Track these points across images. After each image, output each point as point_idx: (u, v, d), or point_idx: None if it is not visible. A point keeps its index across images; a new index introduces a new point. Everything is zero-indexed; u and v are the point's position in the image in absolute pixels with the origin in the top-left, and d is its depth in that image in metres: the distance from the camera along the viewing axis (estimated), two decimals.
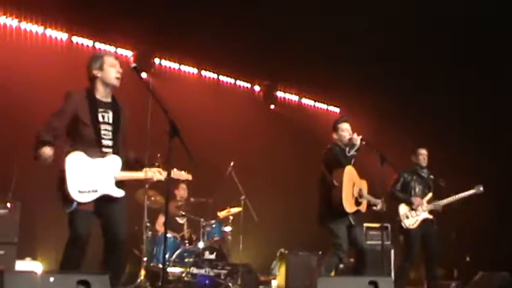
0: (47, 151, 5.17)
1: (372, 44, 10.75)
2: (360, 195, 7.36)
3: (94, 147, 5.34)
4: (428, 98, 11.71)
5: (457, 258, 10.71)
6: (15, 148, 8.74)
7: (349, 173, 7.31)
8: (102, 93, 5.48)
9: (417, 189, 8.54)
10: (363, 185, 7.48)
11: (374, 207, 7.58)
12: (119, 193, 5.44)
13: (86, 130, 5.31)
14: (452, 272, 10.25)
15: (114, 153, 5.45)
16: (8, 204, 7.75)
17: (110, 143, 5.42)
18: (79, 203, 5.20)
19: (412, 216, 8.42)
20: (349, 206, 7.22)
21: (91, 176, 5.28)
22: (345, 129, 7.45)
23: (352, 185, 7.29)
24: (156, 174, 5.59)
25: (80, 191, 5.22)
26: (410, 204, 8.42)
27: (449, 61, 11.11)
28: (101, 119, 5.40)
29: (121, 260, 5.54)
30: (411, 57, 11.12)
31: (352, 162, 7.42)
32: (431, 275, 8.42)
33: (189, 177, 5.83)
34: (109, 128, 5.44)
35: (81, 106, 5.33)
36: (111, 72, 5.45)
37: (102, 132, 5.39)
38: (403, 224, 8.38)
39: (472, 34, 10.57)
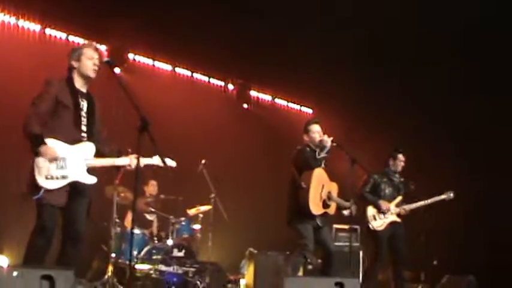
0: (51, 151, 5.19)
1: (344, 45, 10.75)
2: (329, 198, 7.37)
3: (72, 131, 5.39)
4: (400, 98, 11.73)
5: (424, 261, 10.77)
6: None
7: (318, 175, 7.32)
8: (79, 84, 5.56)
9: (387, 192, 8.57)
10: (333, 187, 7.48)
11: (344, 212, 7.59)
12: (90, 180, 5.43)
13: (66, 112, 5.37)
14: (420, 275, 10.32)
15: (88, 139, 5.49)
16: None
17: (85, 128, 5.48)
18: (46, 190, 5.16)
19: (380, 219, 8.46)
20: (315, 208, 7.23)
21: (61, 162, 5.26)
22: (316, 131, 7.43)
23: (320, 187, 7.30)
24: (133, 160, 5.55)
25: (47, 177, 5.19)
26: (378, 207, 8.44)
27: (418, 61, 11.14)
28: (81, 106, 5.49)
29: (79, 253, 5.46)
30: (383, 58, 11.14)
31: (323, 164, 7.43)
32: (398, 277, 8.46)
33: (173, 163, 5.76)
34: (84, 114, 5.50)
35: (62, 90, 5.40)
36: (88, 64, 5.52)
37: (82, 118, 5.47)
38: (370, 226, 8.42)
39: (437, 33, 10.56)
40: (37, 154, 5.18)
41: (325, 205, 7.34)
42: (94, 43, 5.81)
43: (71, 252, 5.36)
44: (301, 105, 13.88)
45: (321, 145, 7.31)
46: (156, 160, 5.56)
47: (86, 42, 5.78)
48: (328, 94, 12.20)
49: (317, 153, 7.30)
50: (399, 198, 8.63)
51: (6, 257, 8.44)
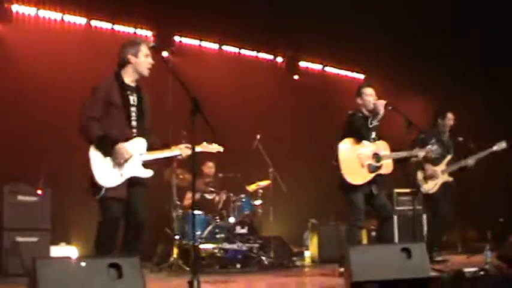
0: (124, 150, 5.36)
1: (395, 9, 10.62)
2: (377, 159, 7.24)
3: (124, 128, 5.47)
4: (452, 58, 11.56)
5: (490, 219, 10.64)
6: (44, 135, 8.85)
7: (346, 148, 7.25)
8: (130, 78, 5.61)
9: (434, 154, 8.40)
10: (379, 146, 7.32)
11: (414, 158, 7.45)
12: (147, 173, 5.56)
13: (116, 111, 5.44)
14: (486, 233, 10.17)
15: (138, 135, 5.56)
16: (39, 191, 7.85)
17: (135, 124, 5.56)
18: (107, 189, 5.30)
19: (432, 180, 8.33)
20: (356, 178, 7.15)
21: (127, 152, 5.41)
22: (370, 94, 7.33)
23: (354, 156, 7.19)
24: (184, 150, 5.69)
25: (106, 176, 5.32)
26: (424, 169, 8.33)
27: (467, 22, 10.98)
28: (131, 101, 5.56)
29: (141, 241, 5.56)
30: (432, 20, 10.99)
31: (373, 134, 7.31)
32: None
33: (220, 148, 5.92)
34: (134, 110, 5.57)
35: (111, 90, 5.45)
36: (145, 63, 5.58)
37: (132, 114, 5.55)
38: (422, 189, 8.31)
39: None
40: (111, 156, 5.33)
41: (372, 169, 7.23)
42: (150, 42, 5.77)
43: (134, 240, 5.49)
44: (352, 71, 13.68)
45: (374, 109, 7.21)
46: (204, 147, 5.71)
47: (140, 36, 5.71)
48: (379, 58, 12.04)
49: (369, 121, 7.20)
50: (448, 157, 8.49)
51: (75, 247, 8.63)
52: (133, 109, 5.55)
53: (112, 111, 5.42)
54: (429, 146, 7.49)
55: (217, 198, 9.67)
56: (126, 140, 5.46)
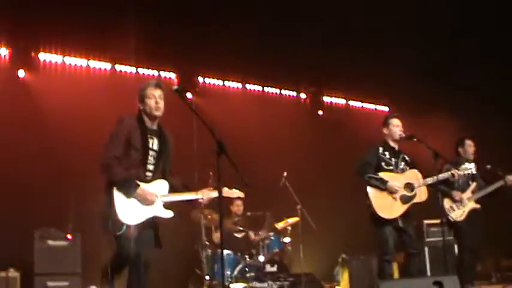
0: (147, 192, 5.45)
1: (417, 42, 10.72)
2: (411, 188, 7.23)
3: (138, 170, 5.52)
4: (471, 90, 11.59)
5: None
6: (70, 180, 8.95)
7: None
8: (147, 122, 5.66)
9: (460, 182, 8.35)
10: (411, 175, 7.34)
11: (452, 177, 7.43)
12: (168, 214, 5.60)
13: (135, 155, 5.49)
14: None
15: (153, 178, 5.61)
16: (69, 236, 7.91)
17: (151, 167, 5.61)
18: (128, 226, 5.34)
19: (458, 208, 8.27)
20: (387, 213, 7.17)
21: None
22: (396, 125, 7.43)
23: (384, 193, 7.21)
24: (205, 193, 5.70)
25: (127, 214, 5.37)
26: (451, 197, 8.27)
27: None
28: (150, 145, 5.59)
29: (143, 282, 5.55)
30: (456, 53, 11.07)
31: (403, 164, 7.41)
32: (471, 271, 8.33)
33: (241, 194, 5.89)
34: (154, 154, 5.62)
35: (133, 130, 5.53)
36: (151, 104, 5.60)
37: (149, 158, 5.58)
38: (450, 218, 8.23)
39: None
40: (130, 196, 5.39)
41: (406, 199, 7.21)
42: (155, 81, 5.82)
43: (136, 281, 5.50)
44: (376, 104, 13.69)
45: (399, 142, 7.37)
46: (225, 192, 5.66)
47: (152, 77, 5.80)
48: (403, 90, 12.10)
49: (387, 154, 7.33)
50: (474, 185, 8.41)
51: None
52: (151, 153, 5.60)
53: (130, 152, 5.48)
54: (464, 165, 7.48)
55: (250, 236, 9.63)
56: (140, 181, 5.51)
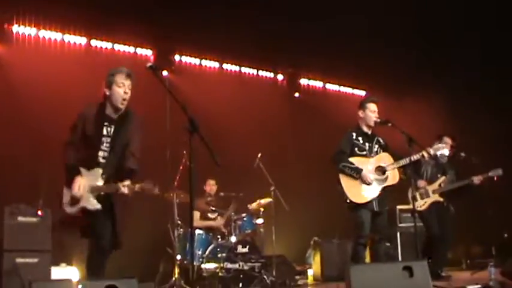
0: (75, 184, 5.58)
1: (393, 23, 10.69)
2: (383, 171, 7.30)
3: (91, 158, 5.68)
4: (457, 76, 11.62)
5: (495, 235, 10.59)
6: (42, 155, 8.84)
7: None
8: (108, 109, 5.77)
9: (429, 172, 8.52)
10: (383, 158, 7.41)
11: (423, 158, 7.41)
12: (94, 205, 5.64)
13: (88, 140, 5.68)
14: (491, 249, 10.13)
15: (107, 165, 5.71)
16: (39, 212, 7.81)
17: (104, 154, 5.72)
18: (65, 213, 5.66)
19: (421, 198, 8.40)
20: (358, 197, 7.24)
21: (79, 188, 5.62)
22: (373, 110, 7.48)
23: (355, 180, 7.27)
24: (122, 188, 5.60)
25: (67, 203, 5.68)
26: (416, 185, 8.37)
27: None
28: (104, 132, 5.71)
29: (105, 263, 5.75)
30: (433, 35, 11.07)
31: (377, 147, 7.47)
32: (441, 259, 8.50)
33: (156, 191, 5.74)
34: (108, 140, 5.72)
35: (89, 120, 5.68)
36: (118, 93, 5.70)
37: (102, 145, 5.70)
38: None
39: None
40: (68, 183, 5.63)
41: (377, 183, 7.26)
42: (126, 69, 5.79)
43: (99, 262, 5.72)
44: (353, 88, 13.68)
45: (372, 126, 7.42)
46: (142, 188, 5.65)
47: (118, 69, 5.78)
48: (380, 75, 12.10)
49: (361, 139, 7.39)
50: (442, 178, 8.53)
51: (76, 268, 8.58)
52: (105, 139, 5.71)
53: (86, 138, 5.67)
54: (437, 145, 7.54)
55: (219, 218, 9.62)
56: (90, 168, 5.66)
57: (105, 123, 5.71)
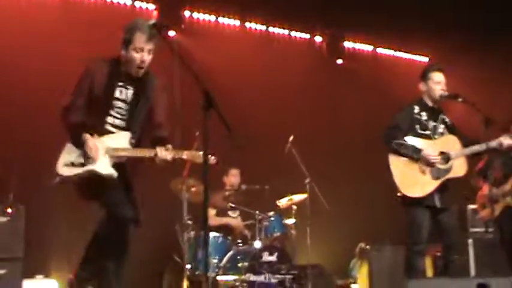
0: (89, 144, 5.59)
1: None
2: (447, 159, 7.10)
3: (100, 124, 5.73)
4: None
5: None
6: (11, 139, 8.83)
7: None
8: (123, 68, 5.79)
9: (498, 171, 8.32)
10: (448, 143, 7.23)
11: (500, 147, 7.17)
12: (106, 171, 5.62)
13: (97, 102, 5.72)
14: None
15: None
16: (9, 210, 7.76)
17: (122, 123, 5.78)
18: (61, 176, 5.61)
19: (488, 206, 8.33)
20: (416, 190, 7.06)
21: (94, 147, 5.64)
22: (438, 82, 7.32)
23: (412, 163, 7.10)
24: (163, 152, 5.67)
25: (65, 164, 5.62)
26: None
27: None
28: (117, 94, 5.77)
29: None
30: None
31: (443, 127, 7.32)
32: None
33: (213, 160, 5.73)
34: (123, 105, 5.78)
35: (98, 76, 5.73)
36: (134, 60, 5.71)
37: (116, 109, 5.76)
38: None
39: None
40: (77, 146, 5.66)
41: (438, 174, 7.08)
42: (149, 26, 5.69)
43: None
44: (412, 54, 13.59)
45: (439, 102, 7.29)
46: (189, 155, 5.71)
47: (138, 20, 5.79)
48: (448, 38, 11.92)
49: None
50: None
51: (55, 281, 8.59)
52: (119, 104, 5.76)
53: (93, 100, 5.70)
54: None
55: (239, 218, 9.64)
56: (101, 134, 5.70)
57: (119, 84, 5.76)
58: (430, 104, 7.33)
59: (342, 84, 12.33)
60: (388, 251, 9.73)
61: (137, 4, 10.67)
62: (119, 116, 5.75)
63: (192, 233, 8.86)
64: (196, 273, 8.60)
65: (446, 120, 7.39)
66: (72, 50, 9.10)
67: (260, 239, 9.01)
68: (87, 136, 5.58)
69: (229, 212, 9.71)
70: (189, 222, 8.79)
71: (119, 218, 5.58)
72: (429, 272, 7.77)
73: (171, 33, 10.47)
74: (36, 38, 9.49)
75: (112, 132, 5.74)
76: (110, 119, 5.73)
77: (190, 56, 9.51)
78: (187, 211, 8.69)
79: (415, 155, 7.03)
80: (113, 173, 5.62)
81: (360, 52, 13.24)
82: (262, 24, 12.13)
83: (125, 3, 10.58)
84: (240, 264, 8.58)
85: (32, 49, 9.33)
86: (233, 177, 9.92)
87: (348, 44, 13.07)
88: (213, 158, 5.60)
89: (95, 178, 5.59)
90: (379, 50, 13.42)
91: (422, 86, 7.36)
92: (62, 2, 10.11)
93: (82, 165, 5.59)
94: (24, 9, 9.76)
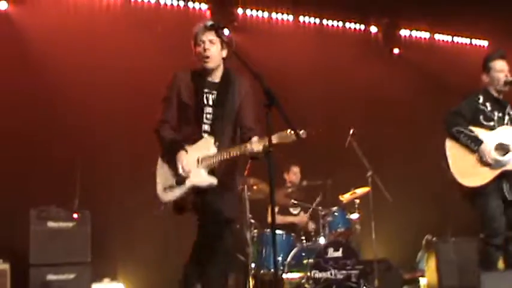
0: (179, 158, 5.66)
1: None
2: (506, 151, 6.92)
3: (194, 132, 5.79)
4: None
5: None
6: (74, 143, 8.95)
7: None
8: (204, 74, 5.87)
9: None
10: (508, 133, 7.04)
11: None
12: (207, 181, 5.65)
13: (188, 112, 5.80)
14: None
15: (216, 134, 5.80)
16: (75, 215, 7.86)
17: (206, 127, 5.81)
18: (166, 203, 5.68)
19: None
20: (475, 179, 6.91)
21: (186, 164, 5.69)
22: (500, 70, 7.15)
23: (469, 153, 6.96)
24: (255, 144, 5.48)
25: (165, 188, 5.71)
26: None
27: None
28: (205, 101, 5.82)
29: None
30: None
31: (507, 118, 7.13)
32: None
33: (303, 133, 5.44)
34: (210, 110, 5.82)
35: (184, 86, 5.85)
36: (198, 52, 5.79)
37: (205, 115, 5.81)
38: None
39: None
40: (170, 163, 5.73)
41: (496, 165, 6.90)
42: (208, 21, 5.81)
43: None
44: (472, 38, 13.39)
45: (503, 90, 7.10)
46: (282, 137, 5.40)
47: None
48: (508, 19, 11.72)
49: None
50: None
51: (122, 284, 8.66)
52: (207, 109, 5.80)
53: (185, 110, 5.81)
54: None
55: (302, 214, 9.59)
56: (194, 142, 5.77)
57: (205, 90, 5.83)
58: (495, 94, 7.16)
59: (399, 74, 12.21)
60: (456, 243, 9.65)
61: (190, 5, 10.70)
62: (208, 121, 5.79)
63: (255, 232, 8.90)
64: (262, 271, 8.65)
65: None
66: (131, 48, 9.33)
67: (324, 235, 9.03)
68: (180, 154, 5.64)
69: (291, 209, 9.73)
70: (252, 220, 8.84)
71: (218, 222, 5.65)
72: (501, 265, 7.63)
73: (225, 31, 10.45)
74: (99, 36, 9.63)
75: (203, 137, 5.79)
76: (204, 127, 5.77)
77: (245, 52, 9.54)
78: (249, 209, 8.75)
79: (474, 146, 6.92)
80: (213, 181, 5.64)
81: (416, 40, 13.08)
82: (316, 17, 12.06)
83: (178, 5, 10.60)
84: (305, 261, 8.64)
85: (96, 48, 9.48)
86: (294, 175, 9.94)
87: (403, 33, 12.93)
88: (302, 131, 5.37)
89: (196, 191, 5.67)
90: (437, 37, 13.22)
91: (485, 78, 7.20)
92: (123, 2, 10.19)
93: (180, 184, 5.65)
94: (88, 10, 9.93)
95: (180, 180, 5.62)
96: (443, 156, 7.05)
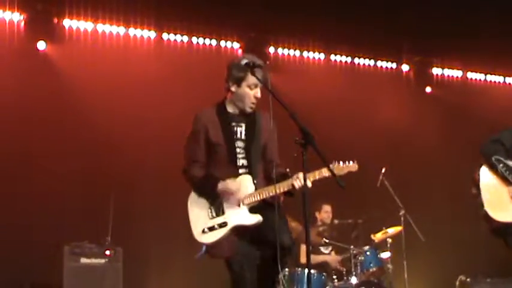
0: (226, 186, 5.59)
1: None
2: None
3: (229, 169, 5.68)
4: None
5: None
6: (107, 180, 9.07)
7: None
8: (234, 108, 5.79)
9: None
10: None
11: None
12: (253, 220, 5.60)
13: (220, 151, 5.70)
14: None
15: (249, 173, 5.71)
16: (107, 252, 7.95)
17: (243, 162, 5.75)
18: (206, 245, 5.57)
19: None
20: (506, 214, 6.79)
21: (216, 208, 5.64)
22: None
23: (503, 184, 6.84)
24: (298, 181, 5.49)
25: (204, 231, 5.59)
26: None
27: None
28: (237, 135, 5.77)
29: None
30: None
31: None
32: None
33: (355, 167, 5.73)
34: (241, 144, 5.77)
35: (211, 125, 5.73)
36: (248, 96, 5.69)
37: (237, 150, 5.74)
38: None
39: None
40: (214, 199, 5.64)
41: None
42: (261, 64, 5.68)
43: None
44: (505, 76, 13.29)
45: None
46: (339, 168, 5.56)
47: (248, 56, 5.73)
48: None
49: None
50: None
51: None
52: (239, 144, 5.74)
53: (214, 149, 5.70)
54: None
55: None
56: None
57: (233, 124, 5.77)
58: None
59: (432, 112, 12.25)
60: (492, 284, 9.66)
61: (222, 44, 10.81)
62: (241, 156, 5.72)
63: (287, 270, 8.98)
64: None
65: None
66: (164, 87, 9.52)
67: (356, 274, 8.97)
68: (225, 183, 5.58)
69: (322, 248, 9.71)
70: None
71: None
72: None
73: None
74: (132, 75, 9.83)
75: (240, 174, 5.68)
76: (240, 162, 5.71)
77: (279, 91, 9.62)
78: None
79: (510, 178, 6.79)
80: (259, 219, 5.58)
81: (449, 78, 13.09)
82: (347, 56, 12.12)
83: (210, 44, 10.71)
84: None
85: (130, 87, 9.70)
86: (325, 213, 9.91)
87: (436, 71, 12.95)
88: (352, 163, 5.60)
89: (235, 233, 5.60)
90: (469, 75, 13.21)
91: None
92: (156, 42, 10.36)
93: (221, 226, 5.59)
94: (123, 49, 10.13)
95: (225, 217, 5.55)
96: (474, 181, 6.93)
